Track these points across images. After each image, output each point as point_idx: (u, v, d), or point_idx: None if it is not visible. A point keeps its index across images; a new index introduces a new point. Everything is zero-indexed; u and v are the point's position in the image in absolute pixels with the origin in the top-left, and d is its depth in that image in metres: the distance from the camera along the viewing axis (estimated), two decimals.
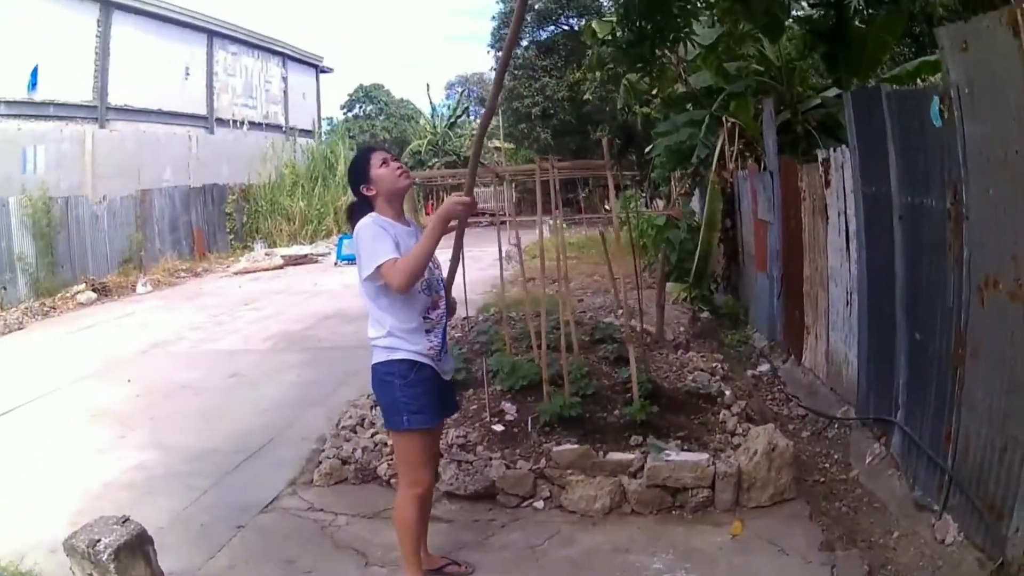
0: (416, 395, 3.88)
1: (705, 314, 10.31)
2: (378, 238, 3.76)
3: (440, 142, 44.10)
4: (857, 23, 9.09)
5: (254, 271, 21.39)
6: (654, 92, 12.46)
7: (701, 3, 9.00)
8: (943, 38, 4.21)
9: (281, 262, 22.36)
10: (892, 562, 4.31)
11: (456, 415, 6.32)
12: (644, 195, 22.97)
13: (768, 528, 4.83)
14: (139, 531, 4.07)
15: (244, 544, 4.97)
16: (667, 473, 5.10)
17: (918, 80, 9.34)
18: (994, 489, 3.86)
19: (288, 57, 35.20)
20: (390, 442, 5.92)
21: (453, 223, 4.01)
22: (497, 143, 41.07)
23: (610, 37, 9.60)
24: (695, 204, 13.73)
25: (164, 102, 25.71)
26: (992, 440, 3.91)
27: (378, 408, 6.78)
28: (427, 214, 36.07)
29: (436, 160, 42.52)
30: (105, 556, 3.87)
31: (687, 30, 8.75)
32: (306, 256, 23.53)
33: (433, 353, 3.96)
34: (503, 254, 8.92)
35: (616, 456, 5.34)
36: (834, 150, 6.48)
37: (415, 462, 4.00)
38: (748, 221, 10.09)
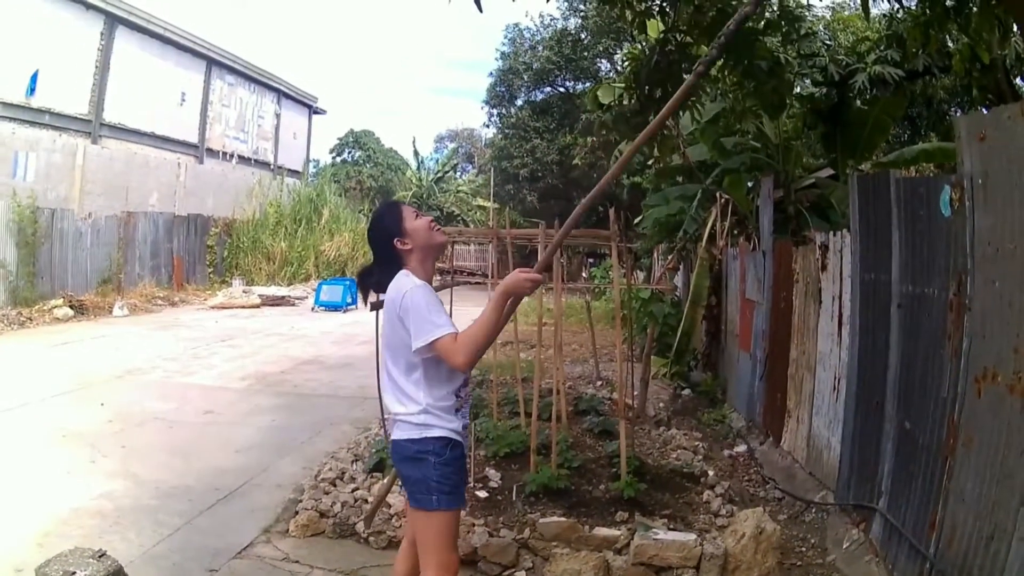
0: (449, 474, 3.60)
1: (686, 391, 10.31)
2: (434, 308, 3.46)
3: (425, 196, 44.18)
4: (859, 104, 9.22)
5: (231, 307, 21.29)
6: (648, 163, 12.55)
7: (712, 75, 9.12)
8: (960, 127, 4.26)
9: (258, 301, 22.27)
10: None
11: None
12: (624, 267, 23.07)
13: None
14: (116, 568, 3.91)
15: None
16: (654, 552, 5.04)
17: (915, 168, 9.46)
18: None
19: (283, 94, 35.36)
20: (370, 498, 5.85)
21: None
22: (482, 202, 41.36)
23: (615, 103, 9.69)
24: (678, 279, 13.82)
25: (157, 125, 25.80)
26: (979, 529, 3.90)
27: (358, 464, 6.77)
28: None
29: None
30: None
31: (693, 99, 8.86)
32: (284, 298, 23.47)
33: (465, 432, 3.76)
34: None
35: (603, 531, 5.31)
36: (833, 234, 6.53)
37: (443, 544, 3.66)
38: (734, 300, 10.12)
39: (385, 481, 4.62)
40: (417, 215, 3.76)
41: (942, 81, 11.13)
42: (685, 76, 8.15)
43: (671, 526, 5.45)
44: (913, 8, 7.55)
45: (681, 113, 9.82)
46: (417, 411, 3.57)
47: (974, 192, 4.08)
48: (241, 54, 31.26)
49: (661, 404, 9.64)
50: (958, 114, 14.00)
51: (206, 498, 6.36)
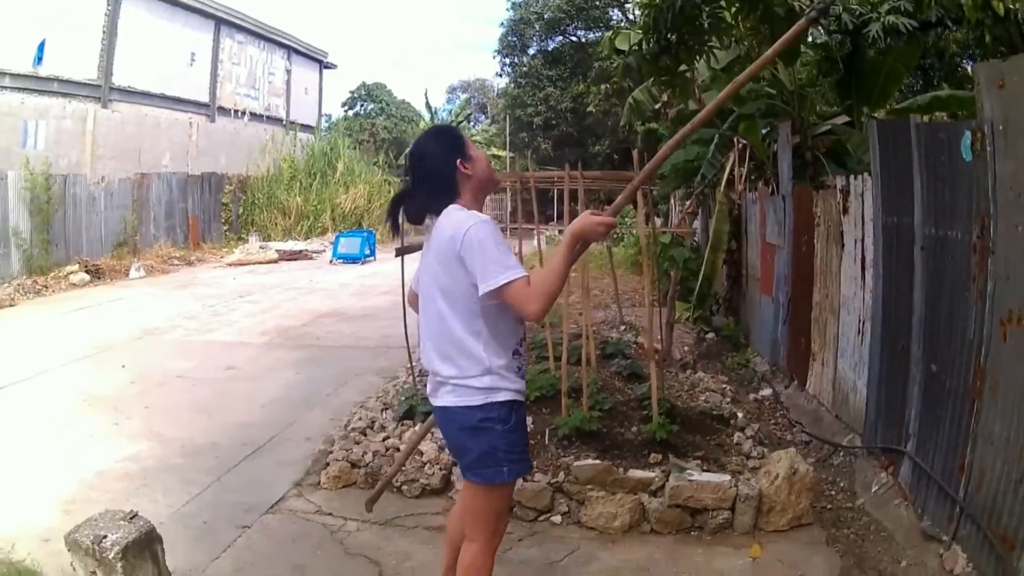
0: (516, 441, 3.23)
1: (710, 335, 10.34)
2: (503, 247, 3.03)
3: None
4: (872, 53, 9.12)
5: (248, 263, 21.31)
6: (662, 108, 12.45)
7: (728, 22, 9.05)
8: (979, 74, 4.24)
9: (275, 256, 22.27)
10: None
11: None
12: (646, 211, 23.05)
13: (787, 553, 4.82)
14: (148, 529, 3.85)
15: (250, 546, 4.80)
16: (689, 493, 5.07)
17: (928, 115, 9.38)
18: (1007, 521, 3.88)
19: (293, 50, 35.32)
20: (402, 446, 5.86)
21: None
22: (496, 151, 41.31)
23: (636, 48, 9.62)
24: (696, 224, 13.79)
25: (167, 87, 25.83)
26: (1008, 473, 3.93)
27: (388, 412, 6.70)
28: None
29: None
30: (112, 554, 3.62)
31: (711, 44, 8.80)
32: (301, 252, 23.46)
33: (525, 391, 3.37)
34: None
35: (637, 474, 5.29)
36: (854, 177, 6.50)
37: (500, 512, 3.41)
38: (755, 244, 10.11)
39: (400, 454, 4.52)
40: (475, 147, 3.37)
41: (954, 34, 10.98)
42: (703, 21, 8.13)
43: (705, 467, 5.47)
44: None
45: (698, 59, 9.75)
46: (479, 372, 3.14)
47: (995, 138, 4.06)
48: (250, 12, 31.27)
49: (686, 348, 9.67)
50: (970, 66, 13.88)
51: (234, 454, 6.40)
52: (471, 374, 3.15)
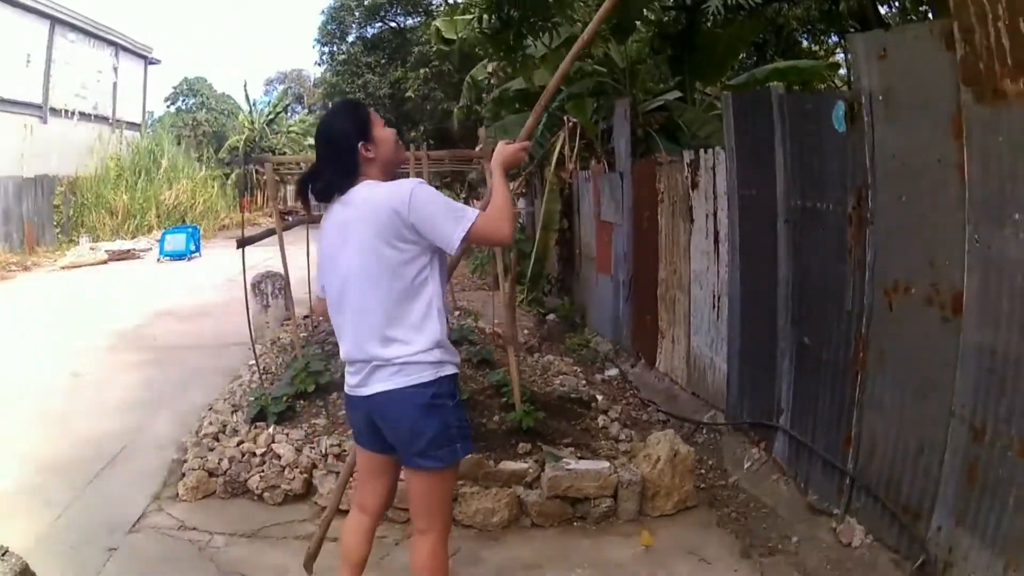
0: (463, 415, 3.14)
1: (551, 316, 10.24)
2: (445, 197, 3.02)
3: (258, 138, 43.35)
4: (710, 27, 9.20)
5: (80, 266, 20.49)
6: (492, 83, 12.31)
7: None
8: (857, 45, 4.21)
9: (105, 257, 21.49)
10: (799, 568, 4.25)
11: (326, 422, 5.98)
12: (461, 195, 22.96)
13: (680, 537, 4.71)
14: (23, 566, 3.36)
15: (120, 571, 4.40)
16: (569, 483, 4.87)
17: (766, 84, 9.54)
18: (909, 490, 3.89)
19: (120, 47, 33.92)
20: (259, 452, 5.49)
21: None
22: (312, 140, 40.66)
23: (473, 28, 9.38)
24: (520, 205, 13.69)
25: (2, 88, 24.28)
26: (904, 442, 3.93)
27: (239, 414, 6.30)
28: (242, 210, 35.45)
29: (253, 156, 41.77)
30: None
31: (555, 21, 8.67)
32: (129, 251, 22.80)
33: None
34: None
35: (510, 466, 5.06)
36: (704, 151, 6.45)
37: (449, 500, 3.30)
38: (589, 223, 10.07)
39: (325, 514, 4.15)
40: (384, 124, 3.25)
41: (793, 10, 11.27)
42: None
43: (579, 455, 5.29)
44: None
45: (540, 35, 9.60)
46: (429, 346, 2.99)
47: (873, 108, 4.03)
48: (80, 9, 29.75)
49: (526, 331, 9.51)
50: (805, 42, 14.38)
51: (89, 468, 5.91)
52: (422, 348, 2.98)
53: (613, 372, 8.27)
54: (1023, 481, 3.08)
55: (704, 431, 6.31)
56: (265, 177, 30.72)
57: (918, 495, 3.80)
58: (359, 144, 3.07)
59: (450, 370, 3.07)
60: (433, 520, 3.16)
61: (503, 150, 3.26)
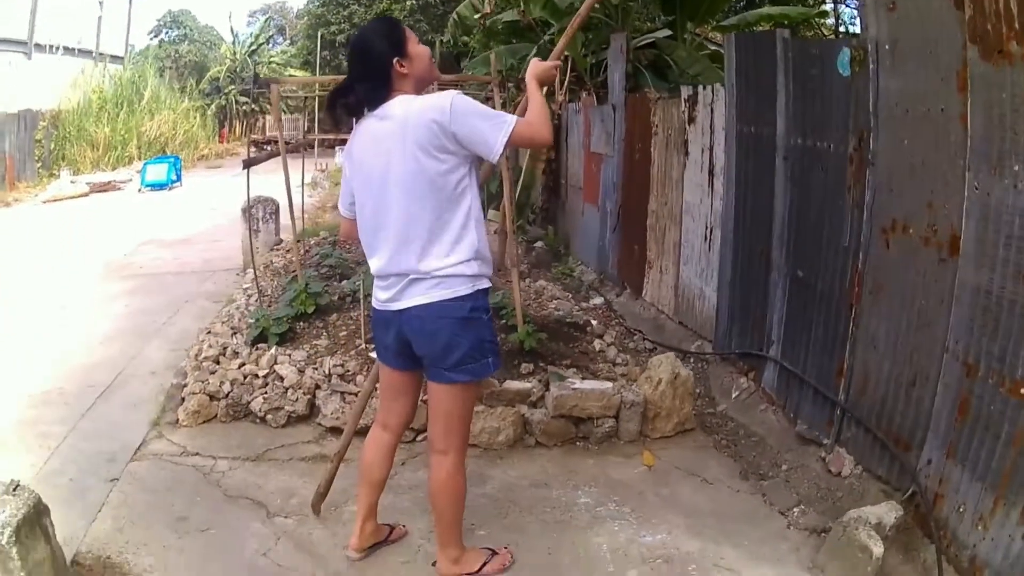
0: (494, 330, 3.20)
1: (539, 243, 10.39)
2: (484, 106, 3.01)
3: (239, 69, 42.68)
4: None
5: (62, 199, 20.26)
6: (481, 19, 12.27)
7: None
8: None
9: (87, 189, 21.26)
10: (793, 492, 4.49)
11: (328, 342, 6.10)
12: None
13: (681, 459, 4.93)
14: (35, 500, 3.28)
15: (125, 501, 4.39)
16: (574, 402, 5.03)
17: (756, 28, 9.62)
18: (900, 421, 4.09)
19: None
20: (262, 374, 5.58)
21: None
22: (294, 71, 40.46)
23: None
24: None
25: None
26: (897, 375, 4.12)
27: (238, 336, 6.37)
28: (220, 142, 35.29)
29: (233, 87, 41.15)
30: (4, 539, 3.04)
31: None
32: (110, 183, 22.50)
33: None
34: (311, 179, 8.69)
35: (514, 385, 5.21)
36: (703, 88, 6.58)
37: (468, 418, 3.35)
38: (577, 154, 10.17)
39: (339, 447, 4.22)
40: (418, 41, 3.23)
41: None
42: None
43: (581, 376, 5.47)
44: None
45: None
46: (469, 257, 3.05)
47: (879, 56, 4.16)
48: None
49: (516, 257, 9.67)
50: None
51: (83, 398, 5.91)
52: (463, 259, 3.04)
53: (598, 301, 8.45)
54: (1014, 417, 3.26)
55: (691, 360, 6.50)
56: (244, 108, 30.76)
57: (909, 427, 4.01)
58: (394, 59, 3.06)
59: (485, 284, 3.13)
60: (452, 439, 3.26)
61: (537, 65, 3.28)
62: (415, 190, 2.99)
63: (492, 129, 2.91)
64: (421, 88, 3.20)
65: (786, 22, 9.39)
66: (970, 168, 3.55)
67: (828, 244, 4.77)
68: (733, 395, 5.75)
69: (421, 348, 3.17)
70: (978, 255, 3.52)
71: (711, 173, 6.44)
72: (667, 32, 10.09)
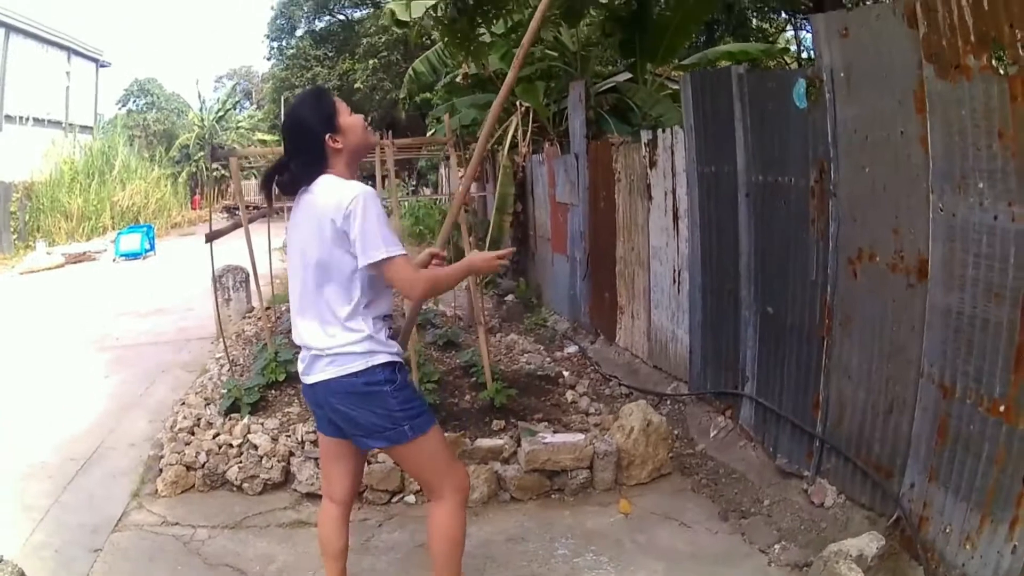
0: (409, 397, 3.16)
1: (509, 297, 10.35)
2: (384, 220, 2.97)
3: (208, 135, 42.78)
4: (660, 9, 9.34)
5: (38, 270, 20.22)
6: (453, 77, 12.35)
7: None
8: (818, 24, 4.37)
9: (62, 260, 21.19)
10: (776, 528, 4.42)
11: (300, 409, 6.02)
12: (410, 182, 22.98)
13: (658, 504, 4.87)
14: (19, 574, 3.31)
15: (109, 571, 4.33)
16: (546, 456, 4.99)
17: (717, 65, 9.71)
18: (880, 449, 4.06)
19: (72, 51, 33.65)
20: (236, 443, 5.51)
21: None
22: (262, 135, 40.61)
23: (430, 12, 9.42)
24: (472, 189, 13.73)
25: None
26: (873, 404, 4.10)
27: (212, 407, 6.30)
28: (192, 208, 35.22)
29: (202, 154, 41.30)
30: None
31: (507, 8, 8.75)
32: (85, 253, 22.42)
33: (402, 355, 3.28)
34: (282, 244, 8.68)
35: (486, 442, 5.19)
36: (662, 131, 6.60)
37: (443, 462, 3.28)
38: (543, 204, 10.19)
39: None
40: (350, 111, 3.21)
41: None
42: None
43: (552, 429, 5.44)
44: None
45: (494, 22, 9.67)
46: (359, 339, 3.06)
47: (834, 85, 4.20)
48: (33, 15, 29.52)
49: (486, 312, 9.62)
50: (755, 20, 14.57)
51: (65, 471, 5.85)
52: (351, 340, 3.05)
53: (572, 349, 8.41)
54: (993, 436, 3.24)
55: (668, 403, 6.47)
56: (215, 174, 30.61)
57: (889, 453, 3.98)
58: (326, 136, 3.08)
59: (382, 358, 3.10)
60: (434, 485, 3.26)
61: (482, 256, 3.39)
62: (316, 271, 3.07)
63: (370, 245, 2.92)
64: (357, 157, 3.25)
65: (746, 59, 9.49)
66: (933, 190, 3.56)
67: (795, 278, 4.76)
68: (711, 434, 5.70)
69: (334, 420, 3.23)
70: (947, 277, 3.52)
71: (675, 216, 6.44)
72: (627, 75, 10.17)
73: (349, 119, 3.15)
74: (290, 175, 3.15)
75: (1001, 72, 3.08)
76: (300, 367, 3.23)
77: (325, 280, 3.05)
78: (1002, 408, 3.21)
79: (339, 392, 3.10)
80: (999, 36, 3.07)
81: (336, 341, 3.05)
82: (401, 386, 3.13)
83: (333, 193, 2.98)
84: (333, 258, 3.00)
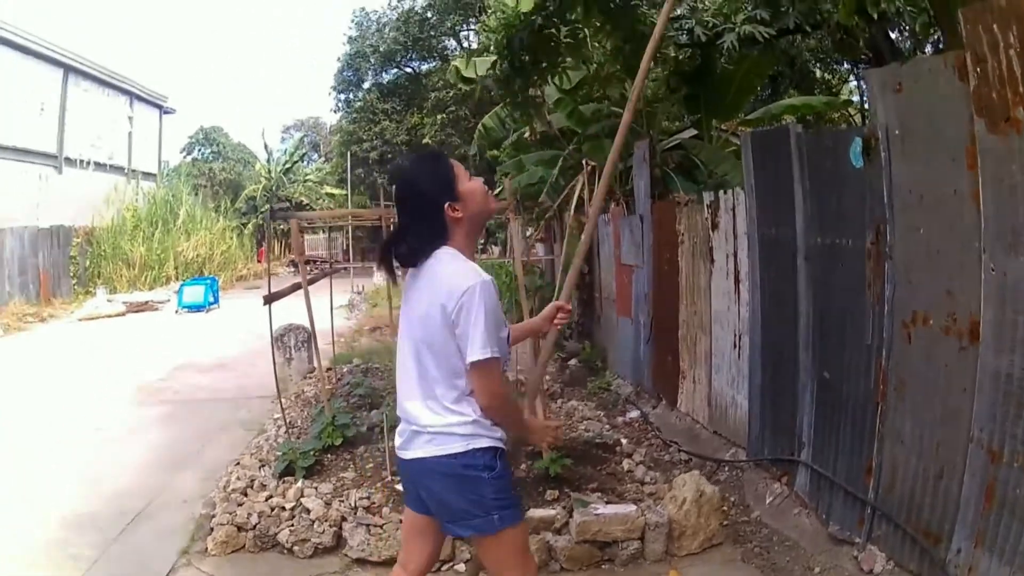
0: (504, 487, 3.00)
1: (573, 361, 10.30)
2: (494, 316, 2.86)
3: (275, 187, 43.52)
4: (724, 64, 9.33)
5: (98, 317, 20.65)
6: (522, 133, 12.49)
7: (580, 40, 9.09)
8: (872, 80, 4.34)
9: (123, 308, 21.68)
10: None
11: (354, 475, 6.05)
12: (479, 242, 23.16)
13: (707, 574, 4.80)
14: None
15: None
16: (597, 527, 4.95)
17: (782, 121, 9.66)
18: (929, 515, 3.96)
19: (135, 96, 34.23)
20: (288, 506, 5.54)
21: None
22: (330, 189, 41.06)
23: (490, 71, 9.57)
24: (539, 250, 13.77)
25: (17, 138, 24.41)
26: (924, 469, 4.00)
27: (266, 469, 6.36)
28: (259, 261, 35.55)
29: (269, 206, 42.04)
30: None
31: (564, 64, 8.81)
32: (147, 303, 22.97)
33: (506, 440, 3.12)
34: (347, 302, 8.79)
35: (539, 513, 5.14)
36: (724, 192, 6.56)
37: (522, 555, 3.15)
38: (609, 266, 10.16)
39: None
40: (470, 175, 3.06)
41: (806, 41, 11.39)
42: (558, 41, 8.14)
43: (605, 499, 5.37)
44: None
45: (549, 80, 9.77)
46: (463, 421, 2.93)
47: (890, 143, 4.15)
48: (94, 57, 30.09)
49: (548, 376, 9.58)
50: (818, 72, 14.50)
51: (115, 523, 5.90)
52: (454, 422, 2.93)
53: (635, 414, 8.31)
54: None
55: (726, 468, 6.35)
56: (282, 227, 30.85)
57: (938, 519, 3.88)
58: (445, 204, 2.92)
59: (484, 442, 2.96)
60: None
61: (541, 424, 3.35)
62: (424, 348, 2.95)
63: (478, 343, 2.81)
64: (479, 226, 3.14)
65: (810, 112, 9.40)
66: (985, 249, 3.50)
67: (852, 343, 4.68)
68: (767, 500, 5.57)
69: (425, 499, 3.11)
70: (998, 338, 3.44)
71: (736, 280, 6.37)
72: (693, 132, 10.15)
73: (469, 184, 3.01)
74: (407, 247, 3.02)
75: None
76: (398, 441, 3.13)
77: (432, 361, 2.95)
78: None
79: (435, 472, 2.99)
80: None
81: (439, 420, 2.95)
82: (500, 475, 3.00)
83: (449, 276, 2.87)
84: (441, 343, 2.90)
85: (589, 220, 3.82)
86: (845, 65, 14.80)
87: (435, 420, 2.94)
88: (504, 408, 2.98)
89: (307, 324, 7.17)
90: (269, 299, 6.49)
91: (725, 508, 5.69)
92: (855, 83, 15.82)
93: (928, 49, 10.53)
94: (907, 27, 9.77)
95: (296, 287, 7.26)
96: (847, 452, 4.72)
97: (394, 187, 3.19)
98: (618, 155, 3.62)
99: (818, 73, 14.98)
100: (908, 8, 7.92)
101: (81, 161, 29.02)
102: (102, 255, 27.53)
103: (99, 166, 30.51)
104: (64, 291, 25.07)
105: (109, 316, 20.82)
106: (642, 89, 3.79)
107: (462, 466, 2.93)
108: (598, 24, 8.57)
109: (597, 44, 9.60)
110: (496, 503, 2.96)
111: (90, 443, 8.26)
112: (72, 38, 32.17)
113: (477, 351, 2.80)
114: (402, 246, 3.02)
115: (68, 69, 27.74)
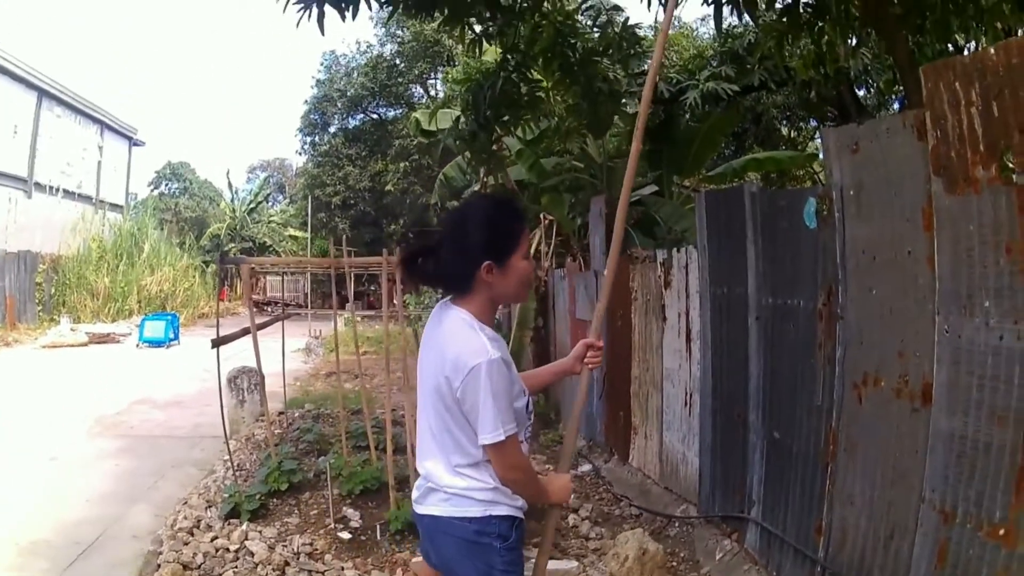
0: (516, 560, 2.90)
1: None
2: (510, 391, 2.70)
3: (239, 227, 43.44)
4: (688, 120, 9.44)
5: (61, 346, 20.89)
6: (476, 187, 12.54)
7: (542, 96, 9.16)
8: (829, 139, 4.37)
9: (86, 339, 21.90)
10: None
11: (299, 520, 6.00)
12: (438, 292, 23.12)
13: None
14: None
15: None
16: None
17: (744, 178, 9.79)
18: (880, 575, 3.94)
19: (105, 126, 34.51)
20: (233, 548, 5.54)
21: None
22: (293, 231, 41.03)
23: (453, 126, 9.62)
24: None
25: None
26: (875, 530, 3.99)
27: (212, 510, 6.32)
28: (221, 300, 35.27)
29: (233, 245, 41.85)
30: None
31: (527, 117, 8.88)
32: (109, 335, 23.18)
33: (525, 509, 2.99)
34: (304, 345, 8.76)
35: None
36: (677, 250, 6.61)
37: None
38: (564, 321, 10.18)
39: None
40: (528, 254, 2.87)
41: (773, 98, 11.54)
42: (522, 100, 8.21)
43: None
44: (767, 20, 7.74)
45: (512, 132, 9.83)
46: (482, 487, 2.80)
47: (844, 203, 4.19)
48: (68, 84, 30.30)
49: None
50: (784, 128, 14.70)
51: (67, 554, 5.92)
52: (473, 487, 2.80)
53: (587, 468, 8.29)
54: (992, 560, 3.15)
55: (677, 524, 6.33)
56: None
57: None
58: (485, 262, 2.72)
59: (503, 510, 2.84)
60: None
61: (560, 483, 3.14)
62: (439, 408, 2.80)
63: (489, 423, 2.65)
64: (502, 300, 2.98)
65: (774, 167, 9.52)
66: (939, 311, 3.52)
67: (802, 404, 4.70)
68: (717, 557, 5.55)
69: (433, 557, 3.01)
70: (951, 400, 3.45)
71: (688, 338, 6.40)
72: (654, 188, 10.22)
73: (521, 262, 2.82)
74: (432, 272, 2.88)
75: (1011, 181, 3.04)
76: (415, 494, 2.98)
77: (449, 423, 2.79)
78: (1002, 532, 3.12)
79: (446, 533, 2.86)
80: (1008, 142, 3.05)
81: (458, 483, 2.81)
82: (512, 546, 2.88)
83: (457, 349, 2.69)
84: (455, 411, 2.74)
85: (608, 266, 3.65)
86: (812, 122, 15.04)
87: (454, 482, 2.81)
88: (523, 480, 2.84)
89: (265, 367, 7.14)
90: (218, 342, 6.45)
91: (673, 564, 5.69)
92: (820, 140, 16.15)
93: (896, 107, 10.71)
94: (874, 84, 9.97)
95: (246, 331, 7.19)
96: (797, 511, 4.72)
97: (457, 206, 3.06)
98: (628, 192, 3.55)
99: (784, 130, 15.20)
100: (876, 65, 8.07)
101: (51, 187, 29.18)
102: (67, 284, 27.63)
103: (68, 194, 30.66)
104: (29, 316, 24.98)
105: (72, 345, 21.03)
106: (646, 119, 3.73)
107: (475, 532, 2.81)
108: (557, 79, 8.68)
109: (559, 98, 9.69)
110: (504, 574, 2.86)
111: (45, 472, 8.28)
112: (46, 63, 32.21)
113: (488, 434, 2.66)
114: (428, 265, 2.85)
115: (42, 93, 27.90)
